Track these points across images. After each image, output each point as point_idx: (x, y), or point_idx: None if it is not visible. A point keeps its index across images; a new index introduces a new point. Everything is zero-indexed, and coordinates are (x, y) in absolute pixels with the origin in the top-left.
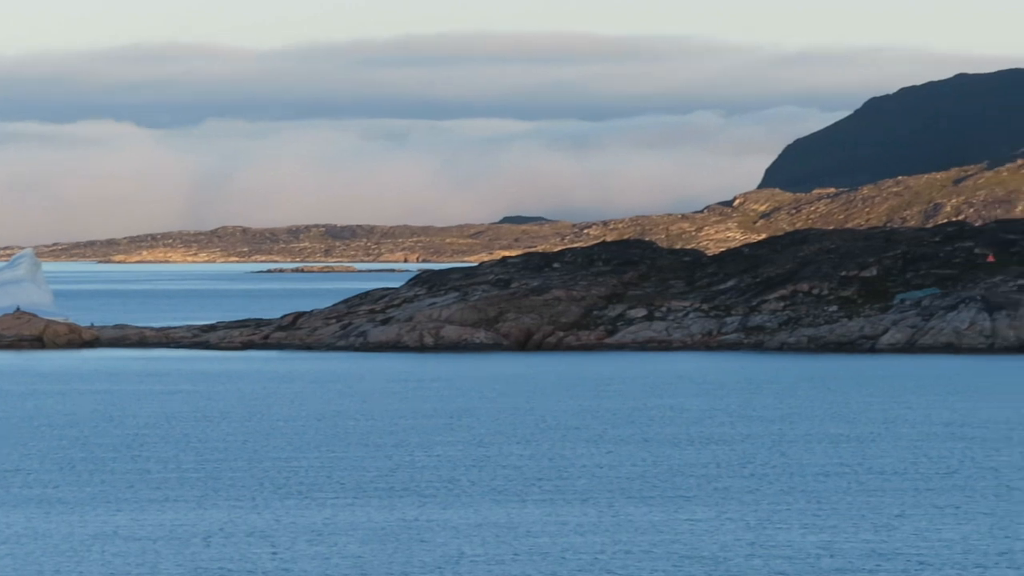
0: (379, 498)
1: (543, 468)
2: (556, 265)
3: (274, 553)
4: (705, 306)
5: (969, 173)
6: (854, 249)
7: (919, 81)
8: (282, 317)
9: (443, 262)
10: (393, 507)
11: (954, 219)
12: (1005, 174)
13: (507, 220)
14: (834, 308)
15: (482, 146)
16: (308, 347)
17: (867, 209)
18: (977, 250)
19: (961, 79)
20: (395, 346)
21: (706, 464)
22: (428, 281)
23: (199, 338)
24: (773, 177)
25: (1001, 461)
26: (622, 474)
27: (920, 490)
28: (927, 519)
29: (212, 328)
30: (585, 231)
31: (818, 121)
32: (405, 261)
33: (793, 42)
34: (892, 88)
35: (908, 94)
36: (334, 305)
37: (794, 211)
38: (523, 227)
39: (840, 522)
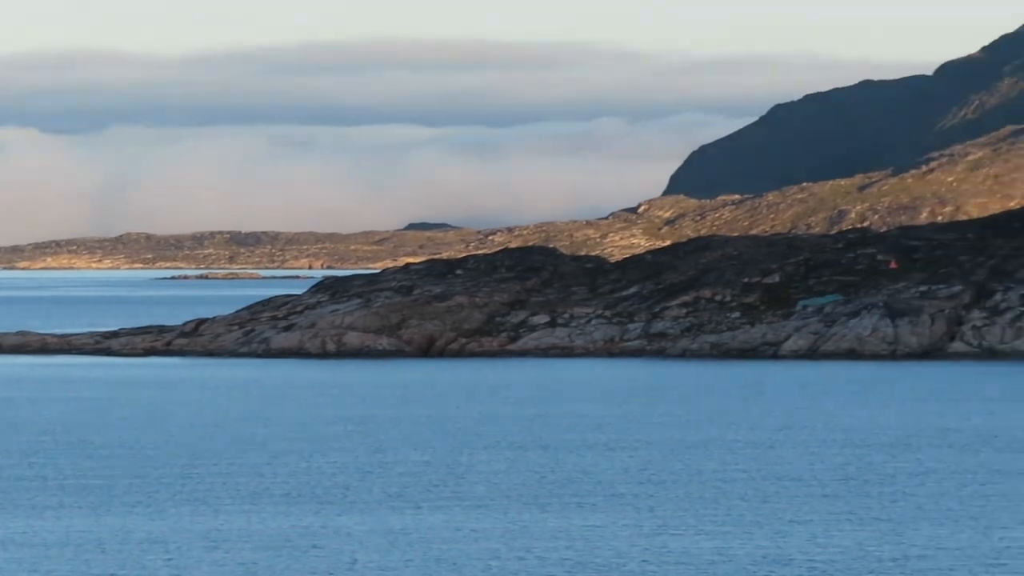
0: (275, 504)
1: (440, 474)
2: (459, 272)
3: (169, 559)
4: (607, 312)
5: (874, 180)
6: (757, 256)
7: (824, 88)
8: (184, 324)
9: (348, 269)
10: (289, 513)
11: (858, 226)
12: (910, 181)
13: (412, 227)
14: (737, 315)
15: (387, 153)
16: (210, 353)
17: (772, 216)
18: (880, 257)
19: (866, 86)
20: (297, 353)
21: (604, 470)
22: (331, 288)
23: (101, 345)
24: (678, 184)
25: (898, 467)
26: (519, 480)
27: (816, 496)
28: (822, 525)
29: (114, 335)
30: (490, 238)
31: (723, 128)
32: (310, 268)
33: (698, 49)
34: (797, 95)
35: (813, 101)
36: (237, 312)
37: (699, 218)
38: (428, 234)
39: (735, 528)
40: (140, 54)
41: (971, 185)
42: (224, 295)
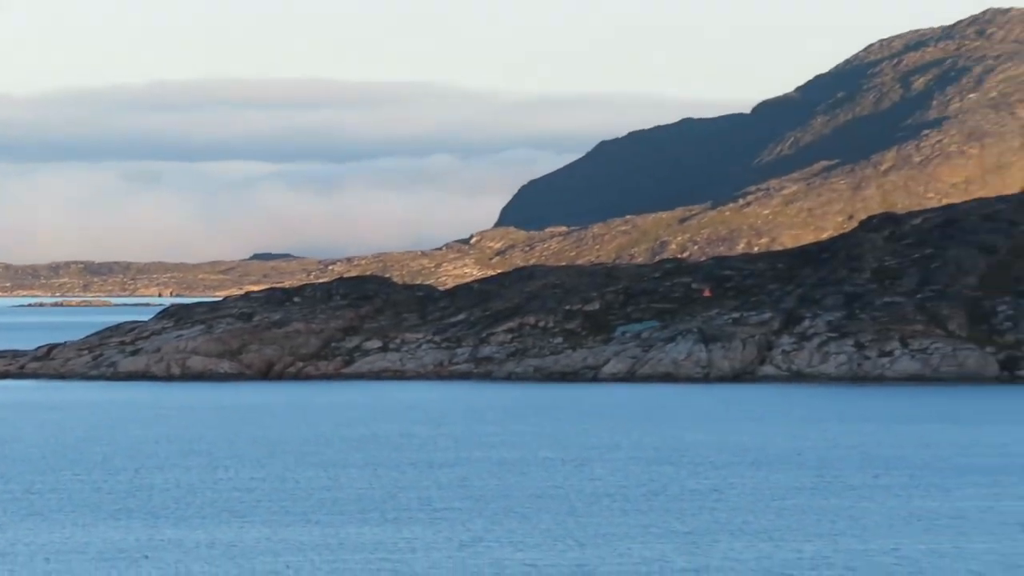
0: (113, 519)
1: (270, 490)
2: (296, 299)
3: (11, 572)
4: (437, 338)
5: (693, 213)
6: (578, 284)
7: (647, 126)
8: (37, 348)
9: (195, 296)
10: (126, 527)
11: (679, 256)
12: (727, 213)
13: (256, 257)
14: (559, 340)
15: (233, 187)
16: (61, 376)
17: (597, 247)
18: (695, 285)
19: (687, 123)
20: (143, 376)
21: (426, 487)
22: (175, 315)
23: None
24: (508, 217)
25: (704, 484)
26: (345, 496)
27: (625, 511)
28: (629, 538)
29: None
30: (330, 267)
31: (552, 163)
32: (159, 296)
33: (528, 88)
34: (622, 132)
35: (636, 138)
36: (87, 337)
37: (528, 248)
38: (271, 263)
39: (547, 541)
40: None
41: (786, 218)
42: (77, 321)
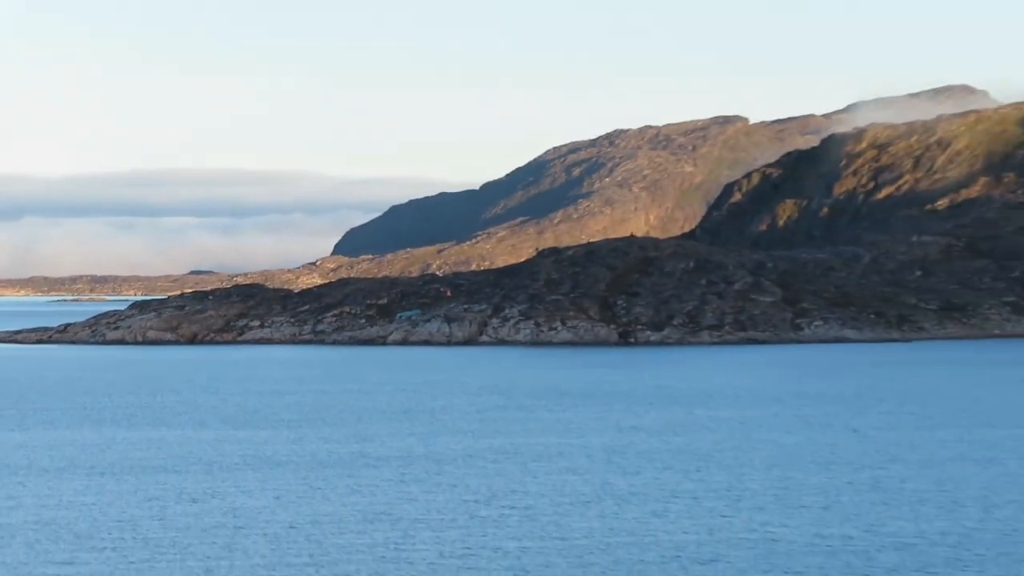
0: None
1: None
2: (211, 297)
3: None
4: (292, 320)
5: (446, 247)
6: (375, 288)
7: (420, 196)
8: (58, 326)
9: (154, 296)
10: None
11: (435, 273)
12: (465, 247)
13: (192, 273)
14: (363, 320)
15: (178, 231)
16: (72, 343)
17: (389, 267)
18: (441, 288)
19: (443, 195)
20: (121, 342)
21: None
22: (140, 306)
23: None
24: (338, 249)
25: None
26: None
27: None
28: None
29: (15, 332)
30: (233, 279)
31: (364, 218)
32: (133, 295)
33: (348, 171)
34: (405, 200)
35: (415, 203)
36: (88, 320)
37: (349, 268)
38: (200, 277)
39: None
40: None
41: (499, 250)
42: (84, 311)
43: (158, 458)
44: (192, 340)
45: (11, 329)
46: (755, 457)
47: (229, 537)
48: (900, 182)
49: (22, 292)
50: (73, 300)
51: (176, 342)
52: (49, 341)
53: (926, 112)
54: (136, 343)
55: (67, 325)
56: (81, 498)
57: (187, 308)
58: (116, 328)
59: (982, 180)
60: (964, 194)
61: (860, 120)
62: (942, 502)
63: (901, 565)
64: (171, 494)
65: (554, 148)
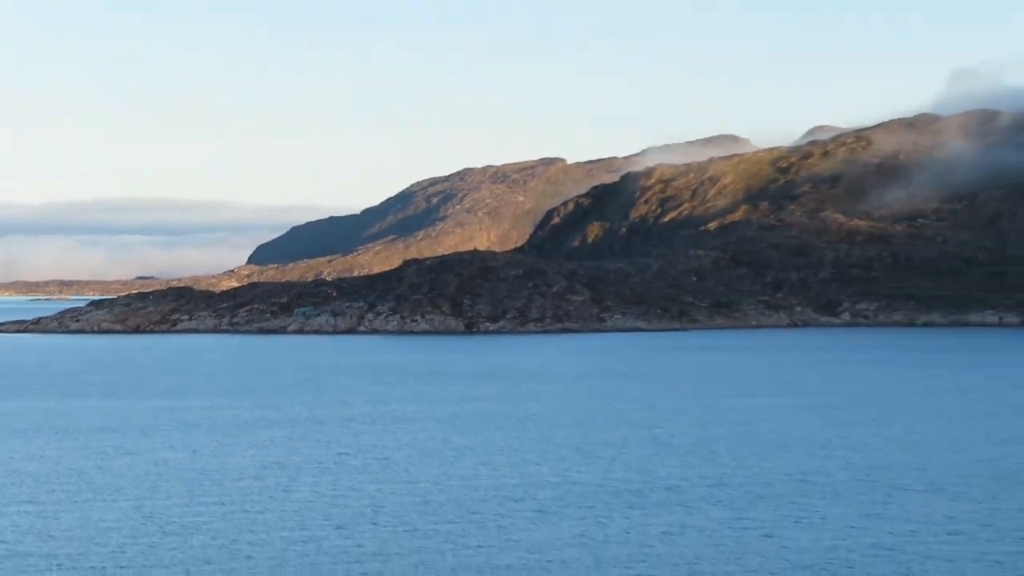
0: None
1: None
2: (151, 297)
3: None
4: (214, 314)
5: (335, 258)
6: (278, 290)
7: (314, 219)
8: (32, 319)
9: (109, 296)
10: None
11: (325, 278)
12: (349, 258)
13: (139, 278)
14: (268, 315)
15: (130, 247)
16: (43, 332)
17: (290, 275)
18: (329, 290)
19: (332, 219)
20: (80, 331)
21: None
22: (97, 304)
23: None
24: (252, 260)
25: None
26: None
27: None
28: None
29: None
30: (170, 283)
31: (271, 237)
32: (91, 295)
33: (261, 201)
34: (303, 222)
35: (310, 225)
36: (56, 314)
37: (259, 275)
38: (144, 282)
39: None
40: None
41: (375, 261)
42: (54, 308)
43: (103, 422)
44: (136, 330)
45: None
46: (563, 420)
47: (154, 481)
48: (680, 209)
49: (6, 293)
50: (45, 299)
51: (124, 331)
52: (25, 331)
53: (701, 155)
54: (93, 332)
55: (40, 318)
56: (42, 453)
57: (133, 305)
58: (77, 321)
59: (743, 208)
60: (729, 218)
61: (650, 161)
62: (703, 453)
63: (667, 501)
64: (111, 450)
65: (418, 182)
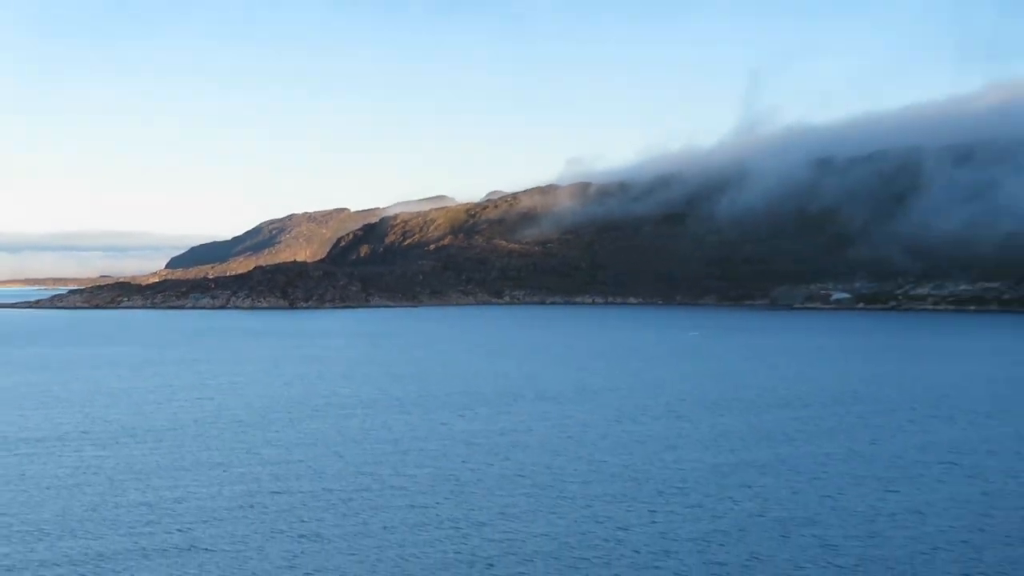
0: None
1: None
2: (89, 290)
3: None
4: (141, 298)
5: (216, 265)
6: (182, 284)
7: (208, 241)
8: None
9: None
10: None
11: (208, 277)
12: (224, 265)
13: (102, 276)
14: (175, 297)
15: (88, 259)
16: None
17: (192, 275)
18: (211, 284)
19: (211, 244)
20: (50, 308)
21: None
22: (75, 292)
23: None
24: (168, 265)
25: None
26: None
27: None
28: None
29: None
30: (105, 282)
31: (176, 253)
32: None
33: (183, 230)
34: (199, 243)
35: (209, 246)
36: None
37: (172, 277)
38: (98, 282)
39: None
40: None
41: (240, 267)
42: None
43: (58, 358)
44: (96, 307)
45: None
46: (338, 357)
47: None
48: (414, 238)
49: (19, 285)
50: (44, 289)
51: (89, 308)
52: (29, 308)
53: (425, 207)
54: (70, 308)
55: (39, 299)
56: (28, 379)
57: (94, 293)
58: (62, 302)
59: (448, 237)
60: (441, 243)
61: (397, 210)
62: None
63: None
64: (63, 373)
65: (265, 220)
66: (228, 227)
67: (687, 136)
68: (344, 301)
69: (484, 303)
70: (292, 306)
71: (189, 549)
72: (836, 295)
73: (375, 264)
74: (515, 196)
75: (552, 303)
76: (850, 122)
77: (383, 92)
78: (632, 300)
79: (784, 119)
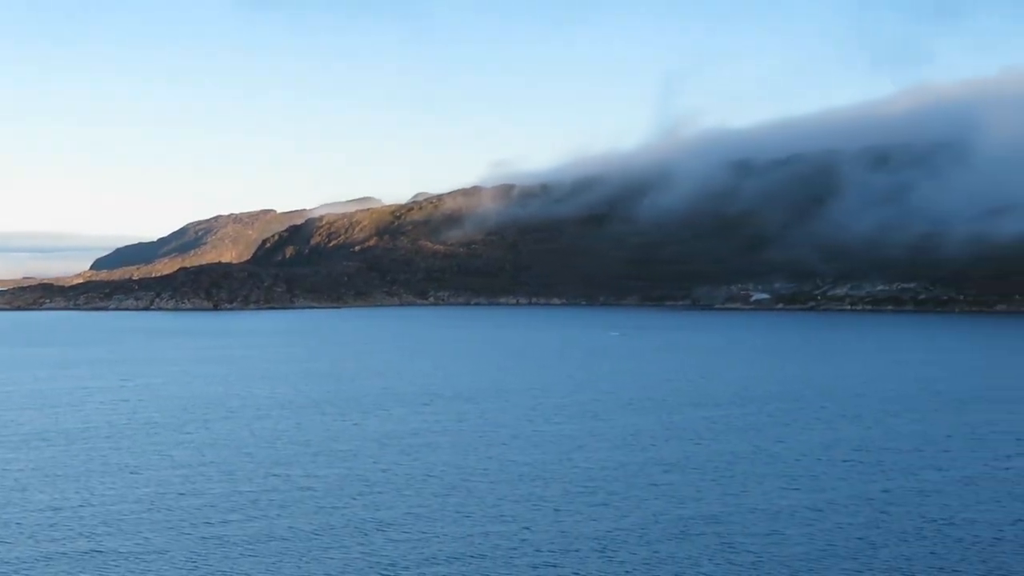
0: None
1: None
2: (17, 290)
3: None
4: (72, 294)
5: (141, 267)
6: (105, 286)
7: (135, 243)
8: None
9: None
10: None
11: (132, 279)
12: (149, 267)
13: (25, 277)
14: (99, 299)
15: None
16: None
17: (130, 275)
18: (135, 285)
19: (138, 246)
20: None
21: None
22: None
23: None
24: (94, 266)
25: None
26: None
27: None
28: None
29: None
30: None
31: (100, 254)
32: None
33: (110, 232)
34: (125, 244)
35: (134, 247)
36: None
37: (97, 276)
38: (22, 281)
39: None
40: None
41: (165, 268)
42: None
43: None
44: (19, 308)
45: None
46: (259, 356)
47: None
48: (339, 239)
49: None
50: None
51: (12, 309)
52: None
53: (351, 208)
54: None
55: None
56: None
57: (18, 294)
58: None
59: (374, 239)
60: (366, 245)
61: (323, 211)
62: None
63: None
64: None
65: (191, 222)
66: (154, 228)
67: (609, 139)
68: (269, 302)
69: (409, 304)
70: (216, 307)
71: (91, 553)
72: (756, 295)
73: (300, 265)
74: (440, 198)
75: (476, 304)
76: (768, 126)
77: (309, 93)
78: (555, 301)
79: (704, 122)
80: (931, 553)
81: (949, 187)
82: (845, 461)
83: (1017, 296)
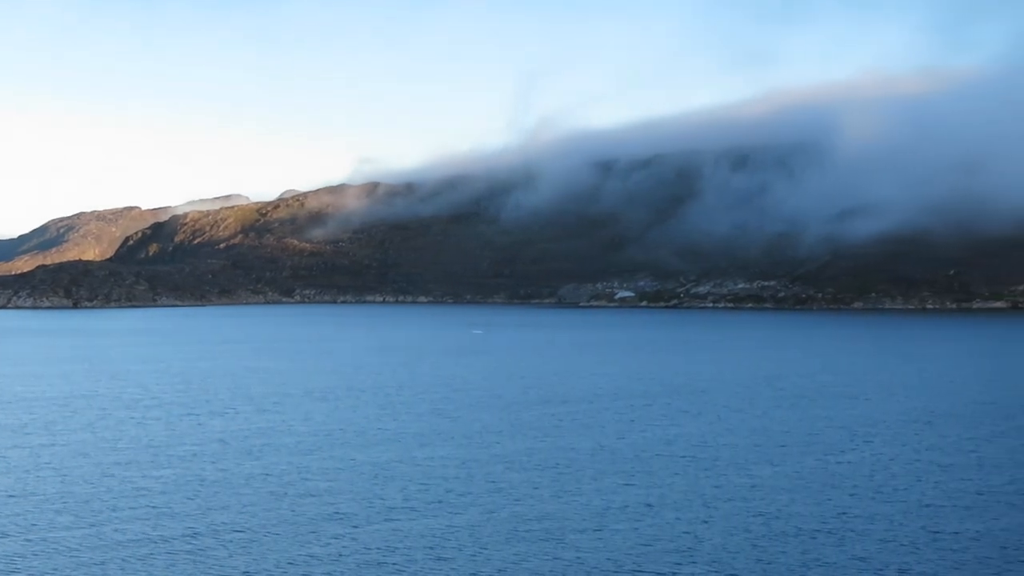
0: None
1: None
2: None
3: None
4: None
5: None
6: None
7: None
8: None
9: None
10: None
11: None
12: (9, 264)
13: None
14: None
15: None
16: None
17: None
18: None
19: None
20: None
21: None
22: None
23: None
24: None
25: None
26: None
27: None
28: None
29: None
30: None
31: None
32: None
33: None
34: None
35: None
36: None
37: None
38: None
39: None
40: None
41: (27, 266)
42: None
43: None
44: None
45: None
46: (115, 354)
47: None
48: (204, 237)
49: None
50: None
51: None
52: None
53: (216, 205)
54: None
55: None
56: None
57: None
58: None
59: (240, 236)
60: (231, 242)
61: (187, 208)
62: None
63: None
64: None
65: (52, 219)
66: (14, 225)
67: (474, 138)
68: (131, 300)
69: (274, 302)
70: (76, 306)
71: None
72: (620, 293)
73: (164, 263)
74: (305, 196)
75: (343, 302)
76: (630, 127)
77: (176, 89)
78: (422, 299)
79: (567, 123)
80: (753, 545)
81: (805, 188)
82: (683, 457)
83: (873, 294)
